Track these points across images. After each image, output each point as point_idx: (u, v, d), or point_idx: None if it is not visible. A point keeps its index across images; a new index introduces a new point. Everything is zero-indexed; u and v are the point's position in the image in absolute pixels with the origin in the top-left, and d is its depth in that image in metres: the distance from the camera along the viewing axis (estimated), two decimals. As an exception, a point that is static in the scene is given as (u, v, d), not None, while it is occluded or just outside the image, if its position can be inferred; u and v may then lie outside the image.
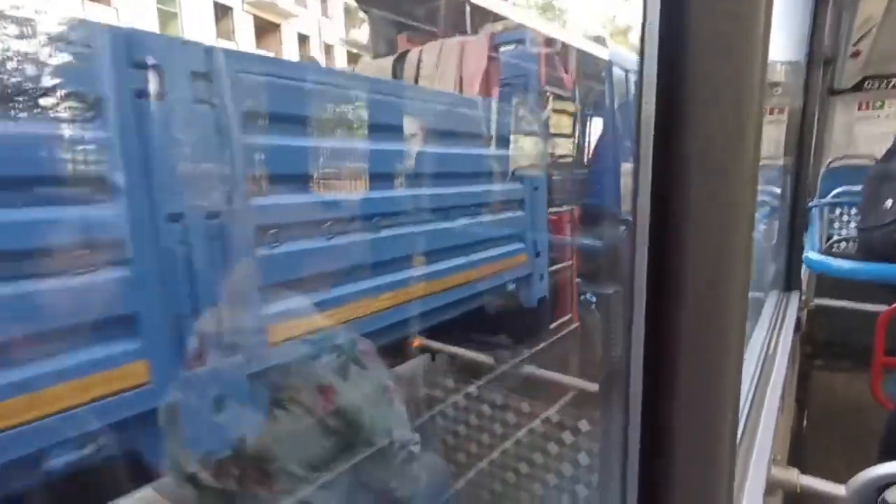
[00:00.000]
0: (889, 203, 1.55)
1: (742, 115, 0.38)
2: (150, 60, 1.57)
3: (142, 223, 1.56)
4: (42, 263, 1.37)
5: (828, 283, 2.73)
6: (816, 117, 3.85)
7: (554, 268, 3.90)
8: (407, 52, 4.05)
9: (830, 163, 4.86)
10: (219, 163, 1.72)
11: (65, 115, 1.45)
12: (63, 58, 1.43)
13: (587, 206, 4.61)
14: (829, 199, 3.53)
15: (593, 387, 1.40)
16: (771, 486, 1.16)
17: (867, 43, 4.04)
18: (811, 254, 1.39)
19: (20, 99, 1.35)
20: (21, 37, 1.36)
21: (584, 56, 4.73)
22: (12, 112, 1.39)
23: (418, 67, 3.89)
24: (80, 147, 1.48)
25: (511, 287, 3.34)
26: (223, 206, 1.71)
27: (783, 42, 2.57)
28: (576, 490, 1.48)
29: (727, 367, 0.42)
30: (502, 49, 3.85)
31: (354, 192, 2.32)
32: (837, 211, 3.64)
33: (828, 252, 3.55)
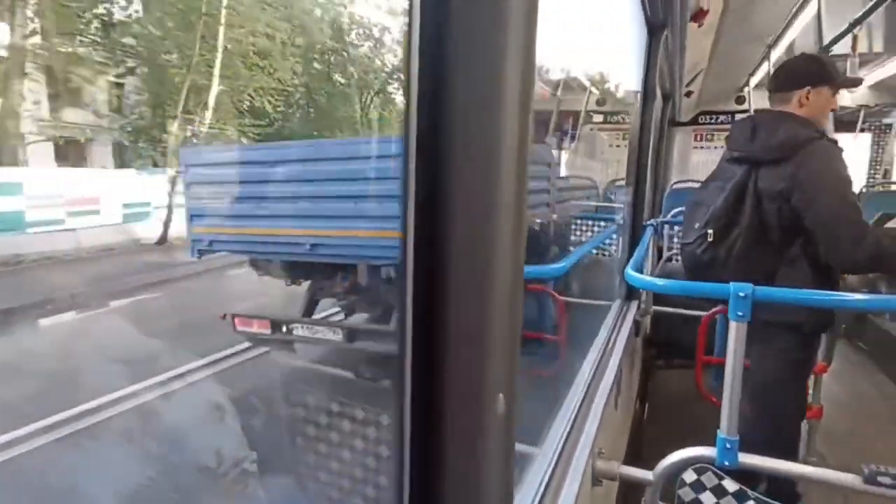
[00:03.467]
0: (697, 224, 1.76)
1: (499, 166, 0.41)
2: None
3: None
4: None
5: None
6: (655, 146, 4.37)
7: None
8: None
9: (673, 185, 5.58)
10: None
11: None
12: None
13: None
14: (662, 218, 4.02)
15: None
16: (597, 477, 1.29)
17: (697, 85, 4.73)
18: (628, 271, 1.56)
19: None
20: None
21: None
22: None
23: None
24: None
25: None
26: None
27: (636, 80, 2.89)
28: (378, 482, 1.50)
29: (490, 376, 0.45)
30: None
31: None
32: (676, 228, 4.16)
33: (666, 263, 4.03)
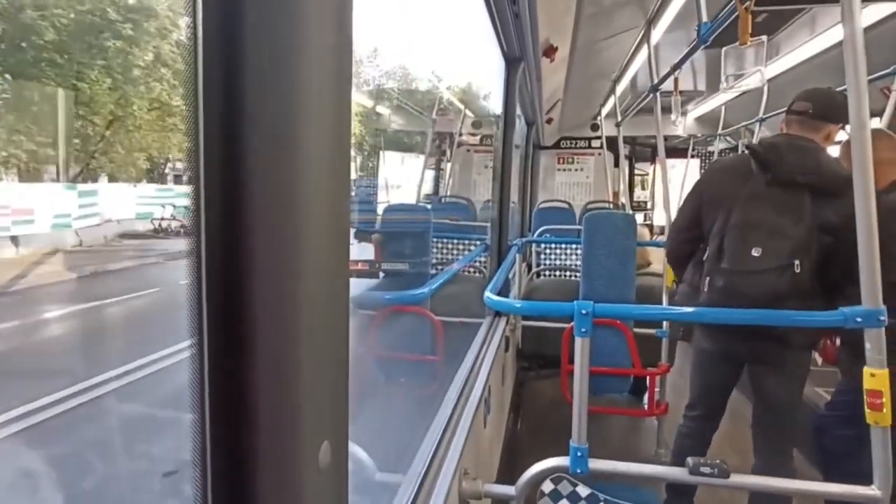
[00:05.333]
0: (757, 251, 1.60)
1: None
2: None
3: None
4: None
5: None
6: (522, 168, 4.68)
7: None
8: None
9: (539, 205, 6.02)
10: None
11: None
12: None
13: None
14: (528, 237, 4.30)
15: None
16: (463, 498, 1.31)
17: (557, 113, 5.17)
18: (487, 294, 1.62)
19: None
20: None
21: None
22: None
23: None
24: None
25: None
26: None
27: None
28: None
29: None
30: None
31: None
32: (543, 245, 4.46)
33: (534, 279, 4.27)
